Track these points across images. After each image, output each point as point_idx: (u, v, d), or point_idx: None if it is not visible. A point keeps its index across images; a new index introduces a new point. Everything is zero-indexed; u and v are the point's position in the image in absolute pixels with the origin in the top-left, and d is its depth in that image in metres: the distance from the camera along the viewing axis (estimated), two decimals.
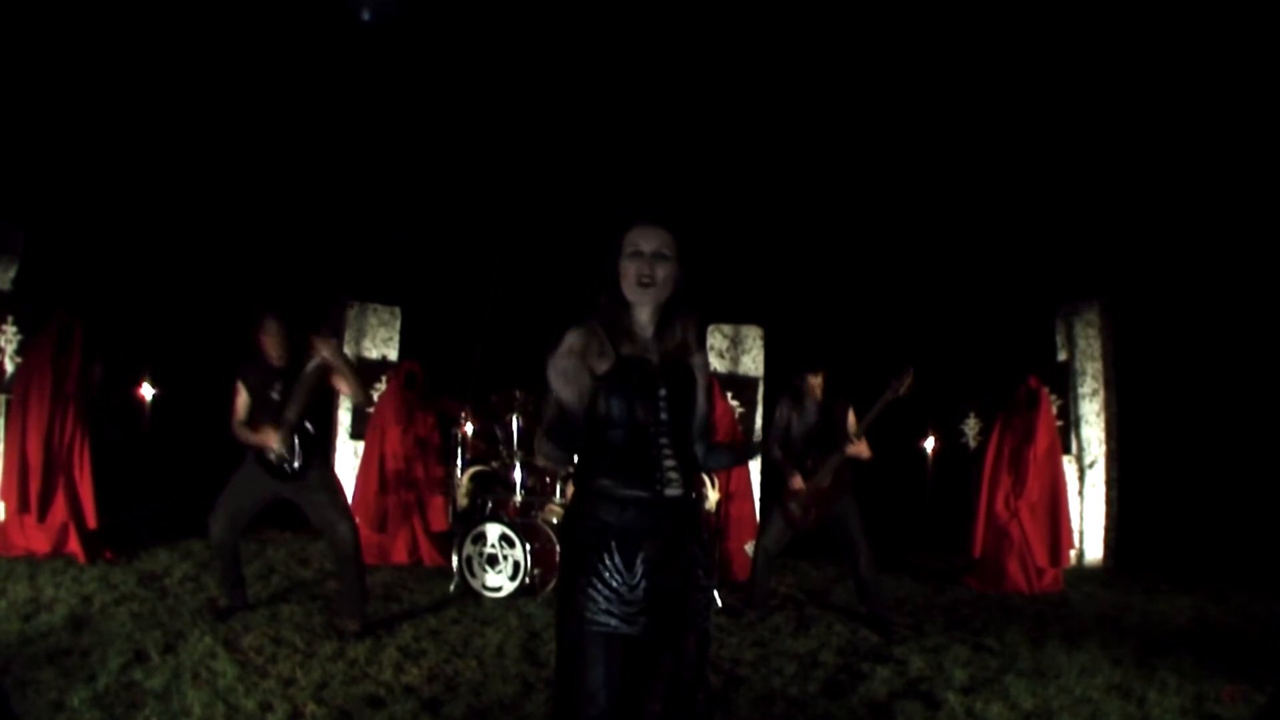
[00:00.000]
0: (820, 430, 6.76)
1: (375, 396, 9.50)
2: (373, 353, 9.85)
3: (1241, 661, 5.48)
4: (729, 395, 9.65)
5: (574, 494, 2.85)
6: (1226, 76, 8.91)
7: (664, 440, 2.79)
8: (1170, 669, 5.21)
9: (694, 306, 2.93)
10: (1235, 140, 9.30)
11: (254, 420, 5.80)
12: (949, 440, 10.17)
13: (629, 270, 2.77)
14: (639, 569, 2.69)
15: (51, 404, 7.08)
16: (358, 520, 8.47)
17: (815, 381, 6.81)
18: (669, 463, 2.78)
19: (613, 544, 2.70)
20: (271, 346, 5.82)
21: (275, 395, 5.80)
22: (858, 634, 6.33)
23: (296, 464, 5.77)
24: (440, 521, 8.73)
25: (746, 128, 10.89)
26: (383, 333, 9.92)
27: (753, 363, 9.93)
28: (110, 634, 5.32)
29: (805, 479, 6.61)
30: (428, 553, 8.61)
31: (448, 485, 8.61)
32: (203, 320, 11.45)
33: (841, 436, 6.62)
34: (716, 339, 10.00)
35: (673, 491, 2.77)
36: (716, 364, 9.94)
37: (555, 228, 10.99)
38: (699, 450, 3.00)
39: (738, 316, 10.14)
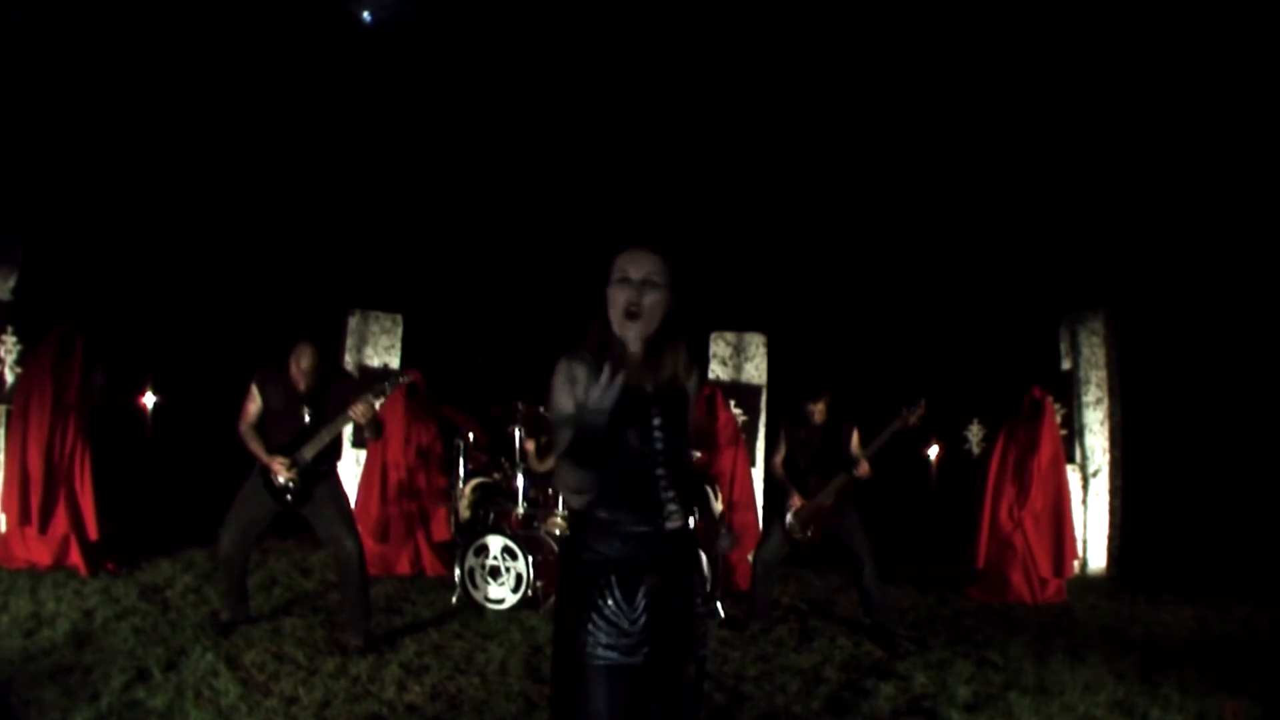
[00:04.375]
0: (823, 450, 6.77)
1: (377, 404, 9.49)
2: (374, 361, 9.83)
3: (1244, 676, 5.46)
4: (732, 403, 9.62)
5: (571, 525, 2.82)
6: (1230, 88, 8.88)
7: (661, 471, 2.76)
8: (1173, 684, 5.19)
9: (684, 333, 2.88)
10: (1240, 151, 9.27)
11: (269, 431, 5.79)
12: (952, 447, 10.14)
13: (617, 298, 2.72)
14: (640, 602, 2.67)
15: (52, 415, 7.04)
16: (360, 531, 8.52)
17: (817, 408, 6.81)
18: (668, 494, 2.76)
19: (613, 578, 2.67)
20: (300, 374, 5.80)
21: (305, 419, 5.79)
22: (861, 647, 6.31)
23: (297, 494, 5.79)
24: (443, 532, 8.70)
25: (751, 135, 10.87)
26: (384, 340, 9.89)
27: (756, 370, 9.91)
28: (112, 650, 5.30)
29: (806, 498, 6.62)
30: (430, 563, 8.59)
31: (450, 495, 8.60)
32: (205, 328, 11.43)
33: (845, 458, 6.62)
34: (719, 347, 9.98)
35: (673, 524, 2.76)
36: (719, 372, 9.93)
37: (557, 235, 10.98)
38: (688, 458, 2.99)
39: (741, 324, 10.12)
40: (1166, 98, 9.19)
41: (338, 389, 5.89)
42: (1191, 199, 9.90)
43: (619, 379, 2.38)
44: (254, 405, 5.82)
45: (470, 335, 10.05)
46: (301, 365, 5.79)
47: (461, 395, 9.18)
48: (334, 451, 6.00)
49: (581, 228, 10.49)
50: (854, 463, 6.47)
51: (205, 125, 10.58)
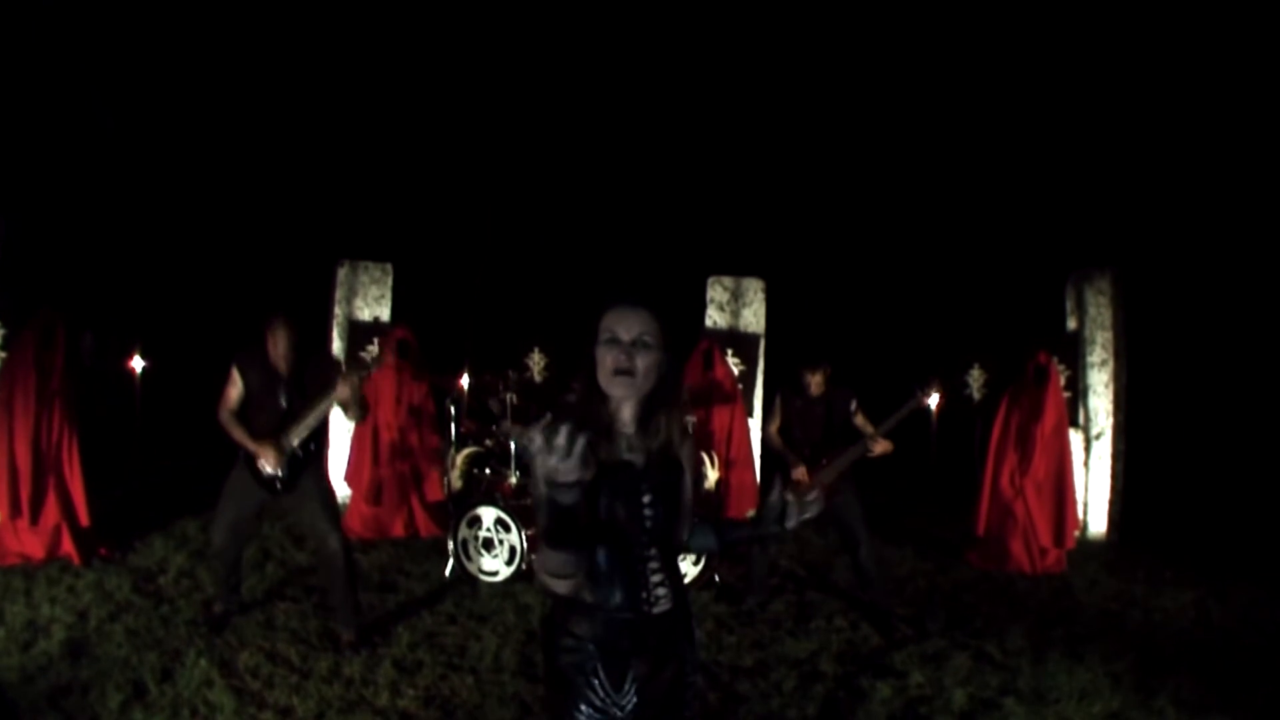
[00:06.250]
0: (823, 424, 6.64)
1: (368, 360, 9.36)
2: (364, 313, 9.62)
3: (1240, 686, 5.40)
4: (729, 353, 9.48)
5: (551, 606, 2.66)
6: (1242, 51, 8.50)
7: (650, 551, 2.60)
8: (1169, 695, 5.15)
9: (679, 395, 2.68)
10: (1254, 114, 8.92)
11: (251, 418, 5.64)
12: (953, 393, 10.02)
13: (605, 359, 2.53)
14: (628, 687, 2.57)
15: (37, 404, 6.90)
16: (353, 494, 8.50)
17: (814, 379, 6.66)
18: (656, 577, 2.61)
19: (599, 667, 2.55)
20: (278, 352, 5.62)
21: (282, 401, 5.63)
22: (859, 631, 6.28)
23: (285, 482, 5.67)
24: (436, 492, 8.66)
25: (751, 76, 10.44)
26: (374, 291, 9.68)
27: (754, 316, 9.74)
28: (108, 660, 5.26)
29: (808, 471, 6.51)
30: (424, 524, 8.57)
31: (443, 456, 8.52)
32: (193, 282, 11.15)
33: (846, 431, 6.51)
34: (717, 292, 9.80)
35: (661, 608, 2.61)
36: (717, 318, 9.76)
37: (550, 179, 10.64)
38: (680, 535, 2.79)
39: (739, 269, 9.91)
40: (1182, 58, 8.79)
41: (319, 368, 5.72)
42: (1207, 168, 9.56)
43: (579, 445, 2.10)
44: (235, 390, 5.64)
45: (462, 283, 9.81)
46: (279, 346, 5.59)
47: (454, 348, 8.99)
48: (319, 434, 5.86)
49: (576, 174, 10.16)
50: (865, 439, 6.35)
51: (191, 78, 10.15)
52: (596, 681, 2.54)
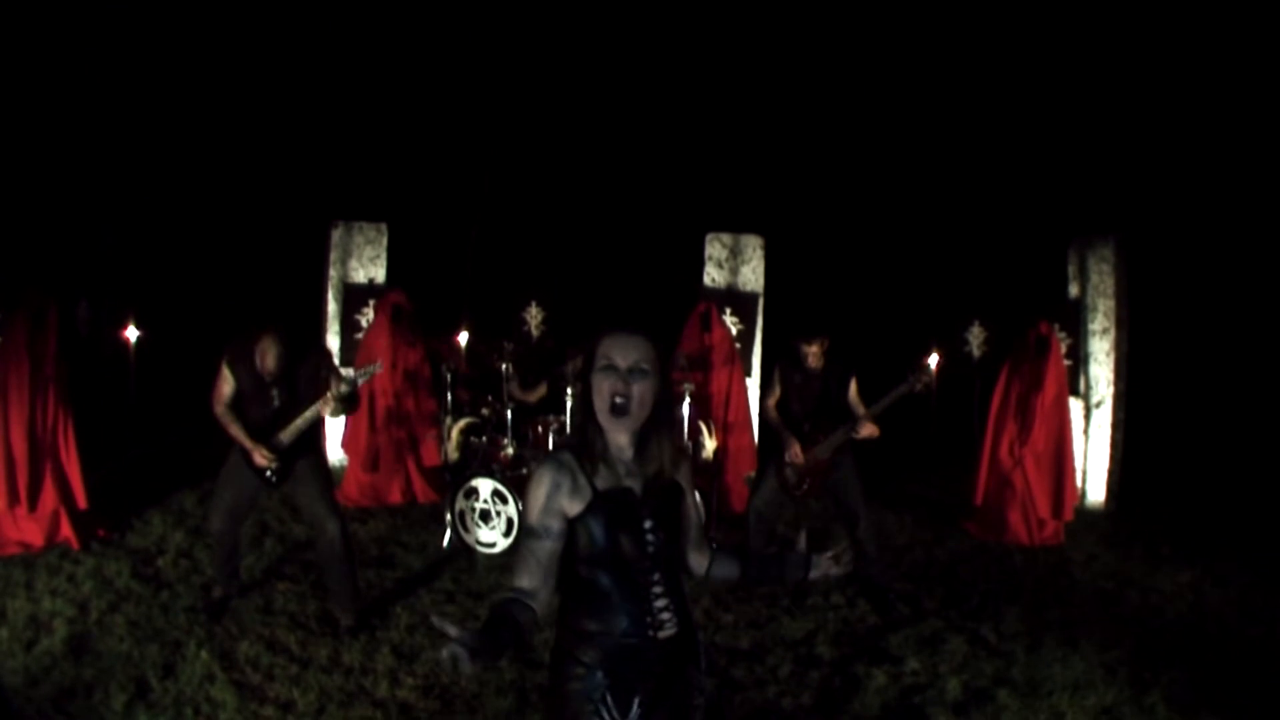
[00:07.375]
0: (820, 399, 6.58)
1: (364, 322, 9.29)
2: (359, 274, 9.50)
3: (1233, 683, 5.40)
4: (728, 312, 9.40)
5: (558, 632, 2.70)
6: (1245, 19, 8.24)
7: (654, 576, 2.64)
8: (1161, 691, 5.17)
9: (673, 418, 2.78)
10: (1261, 86, 8.69)
11: (244, 409, 5.63)
12: (953, 354, 9.96)
13: (603, 388, 2.56)
14: (634, 711, 2.60)
15: (31, 391, 6.84)
16: (350, 461, 8.50)
17: (811, 350, 6.58)
18: (660, 603, 2.64)
19: (606, 695, 2.58)
20: (266, 365, 5.57)
21: (275, 399, 5.63)
22: (855, 609, 6.32)
23: (278, 473, 5.70)
24: (434, 457, 8.66)
25: (751, 30, 10.15)
26: (369, 251, 9.54)
27: (752, 274, 9.62)
28: (110, 656, 5.28)
29: (803, 446, 6.47)
30: (422, 490, 8.59)
31: (439, 422, 8.50)
32: (187, 245, 10.96)
33: (842, 408, 6.47)
34: (715, 249, 9.67)
35: (667, 632, 2.65)
36: (715, 275, 9.65)
37: (547, 134, 10.42)
38: (699, 564, 2.88)
39: (737, 225, 9.77)
40: (1185, 23, 8.53)
41: (309, 365, 5.69)
42: (1208, 132, 9.33)
43: (463, 667, 2.14)
44: (227, 386, 5.64)
45: (459, 242, 9.68)
46: (267, 360, 5.56)
47: (451, 309, 8.89)
48: (312, 430, 5.83)
49: (573, 130, 9.95)
50: (856, 420, 6.32)
51: (181, 40, 9.86)
52: (604, 708, 2.57)
